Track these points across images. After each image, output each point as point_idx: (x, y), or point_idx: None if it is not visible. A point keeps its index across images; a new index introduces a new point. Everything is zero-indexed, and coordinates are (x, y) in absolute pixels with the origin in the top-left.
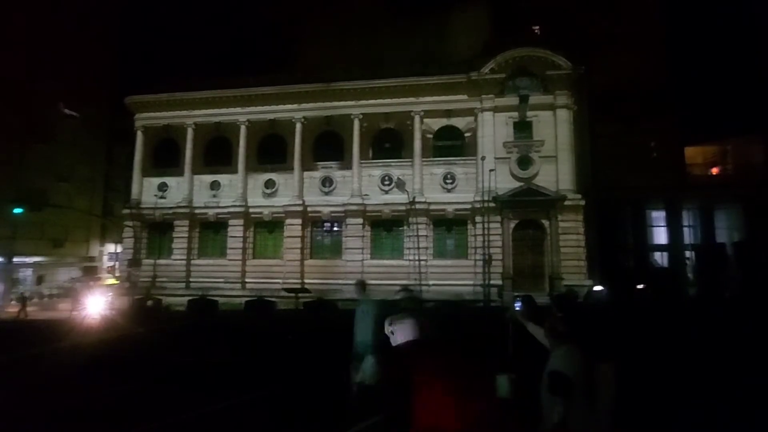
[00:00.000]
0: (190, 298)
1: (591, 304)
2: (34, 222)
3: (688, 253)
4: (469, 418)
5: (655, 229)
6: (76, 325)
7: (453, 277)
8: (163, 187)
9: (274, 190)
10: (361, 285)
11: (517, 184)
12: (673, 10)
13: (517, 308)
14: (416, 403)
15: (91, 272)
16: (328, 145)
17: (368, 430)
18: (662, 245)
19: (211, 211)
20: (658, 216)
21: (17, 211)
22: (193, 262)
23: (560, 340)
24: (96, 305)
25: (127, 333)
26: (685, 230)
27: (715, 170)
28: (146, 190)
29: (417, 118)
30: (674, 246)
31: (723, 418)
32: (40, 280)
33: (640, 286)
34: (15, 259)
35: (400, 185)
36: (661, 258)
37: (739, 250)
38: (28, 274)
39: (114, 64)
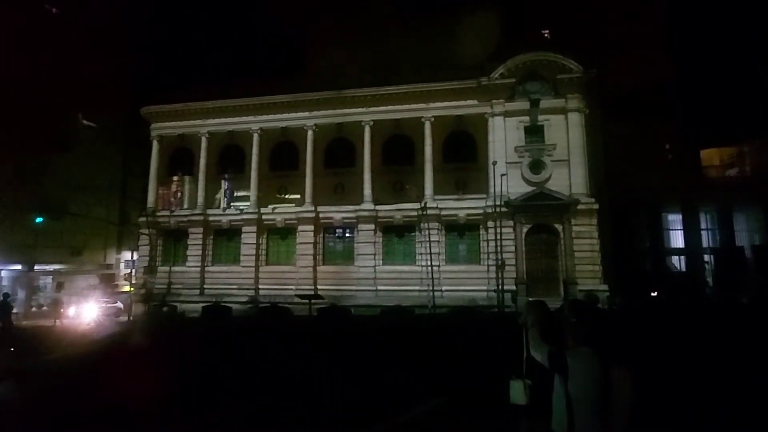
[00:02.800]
0: (204, 304)
1: (610, 310)
2: (54, 230)
3: (706, 257)
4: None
5: (671, 232)
6: (57, 334)
7: (466, 282)
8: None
9: (286, 197)
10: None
11: (530, 188)
12: (687, 11)
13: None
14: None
15: (108, 280)
16: (339, 151)
17: (431, 412)
18: (679, 249)
19: (224, 218)
20: (675, 219)
21: (38, 220)
22: (207, 268)
23: (579, 342)
24: (90, 313)
25: (107, 344)
26: (703, 233)
27: (732, 172)
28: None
29: (428, 124)
30: (692, 250)
31: (723, 418)
32: (59, 287)
33: (653, 294)
34: (36, 267)
35: (412, 191)
36: (678, 262)
37: (758, 254)
38: (48, 281)
39: (130, 75)
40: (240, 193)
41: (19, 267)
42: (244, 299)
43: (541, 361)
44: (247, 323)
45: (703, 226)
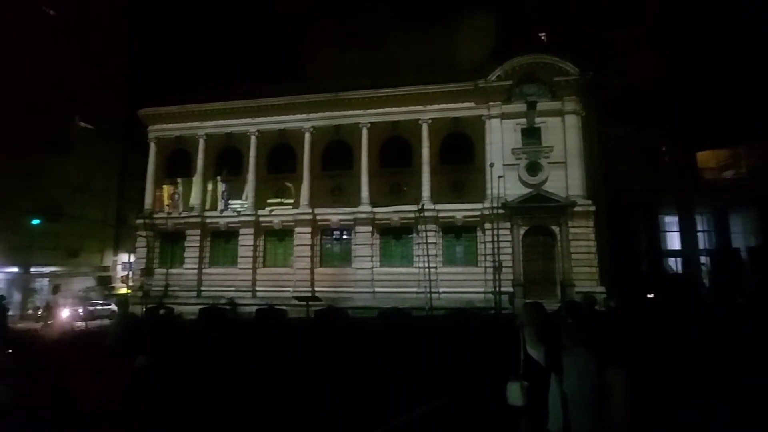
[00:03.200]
0: (202, 306)
1: (606, 312)
2: (50, 232)
3: (703, 259)
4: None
5: (668, 234)
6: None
7: (463, 284)
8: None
9: (283, 199)
10: None
11: (527, 190)
12: (684, 13)
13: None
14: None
15: (105, 282)
16: (337, 154)
17: (432, 413)
18: (676, 250)
19: (222, 220)
20: (671, 221)
21: (35, 222)
22: (204, 270)
23: (575, 343)
24: (77, 315)
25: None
26: (700, 235)
27: (728, 174)
28: None
29: (425, 126)
30: (688, 251)
31: (723, 418)
32: (55, 289)
33: (651, 295)
34: (32, 269)
35: (409, 193)
36: (675, 264)
37: (754, 255)
38: (44, 283)
39: (128, 76)
40: (236, 200)
41: (15, 269)
42: (242, 301)
43: (538, 359)
44: (238, 324)
45: (699, 228)
